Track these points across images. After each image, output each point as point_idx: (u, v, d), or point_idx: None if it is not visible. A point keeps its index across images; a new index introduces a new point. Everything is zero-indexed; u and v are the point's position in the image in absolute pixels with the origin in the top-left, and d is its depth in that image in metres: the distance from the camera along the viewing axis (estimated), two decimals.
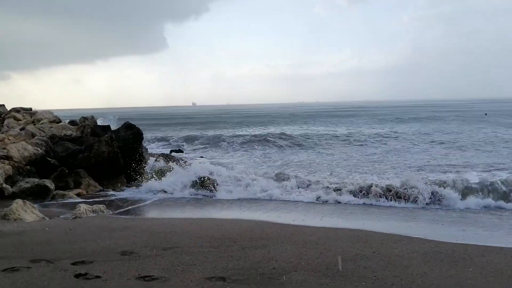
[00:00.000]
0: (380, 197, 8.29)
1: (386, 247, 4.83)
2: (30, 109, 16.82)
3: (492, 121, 32.25)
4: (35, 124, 13.70)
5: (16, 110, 16.15)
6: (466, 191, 8.37)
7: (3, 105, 16.97)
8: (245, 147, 19.98)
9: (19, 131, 12.09)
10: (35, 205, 7.18)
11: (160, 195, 9.14)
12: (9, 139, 10.63)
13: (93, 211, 7.06)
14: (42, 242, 5.03)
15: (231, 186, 9.44)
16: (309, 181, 9.59)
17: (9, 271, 3.94)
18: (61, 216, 6.91)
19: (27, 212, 6.56)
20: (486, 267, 4.17)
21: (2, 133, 11.94)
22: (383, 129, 28.06)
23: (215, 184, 9.44)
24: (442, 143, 19.25)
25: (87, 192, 9.38)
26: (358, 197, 8.43)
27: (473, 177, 9.65)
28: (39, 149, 10.17)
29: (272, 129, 30.94)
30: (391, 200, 8.18)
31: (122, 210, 7.75)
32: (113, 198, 9.03)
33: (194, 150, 20.41)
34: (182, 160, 13.34)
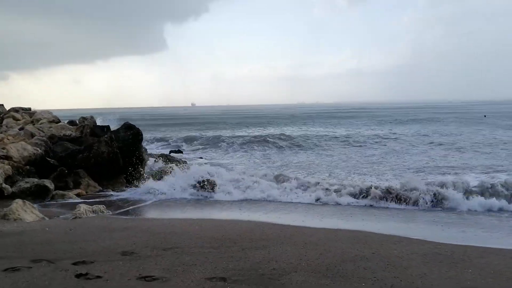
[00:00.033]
0: (381, 199, 8.23)
1: (386, 248, 4.85)
2: (29, 109, 16.75)
3: (491, 123, 32.31)
4: (34, 124, 13.66)
5: (15, 110, 16.07)
6: (467, 194, 8.29)
7: (2, 105, 16.91)
8: (244, 148, 20.00)
9: (18, 131, 12.05)
10: (35, 205, 7.19)
11: (160, 195, 9.14)
12: (8, 139, 10.61)
13: (93, 212, 7.06)
14: (42, 242, 5.03)
15: (230, 187, 9.44)
16: (308, 182, 9.60)
17: (10, 271, 3.95)
18: (61, 216, 6.92)
19: (27, 212, 6.56)
20: (485, 268, 4.19)
21: (1, 133, 11.91)
22: (382, 131, 28.10)
23: (215, 186, 9.44)
24: (441, 144, 19.30)
25: (86, 192, 9.38)
26: (358, 199, 8.40)
27: (472, 179, 9.67)
28: (38, 149, 10.16)
29: (271, 130, 30.99)
30: (391, 202, 8.12)
31: (122, 210, 7.76)
32: (112, 198, 9.03)
33: (193, 150, 20.42)
34: (182, 160, 13.35)
